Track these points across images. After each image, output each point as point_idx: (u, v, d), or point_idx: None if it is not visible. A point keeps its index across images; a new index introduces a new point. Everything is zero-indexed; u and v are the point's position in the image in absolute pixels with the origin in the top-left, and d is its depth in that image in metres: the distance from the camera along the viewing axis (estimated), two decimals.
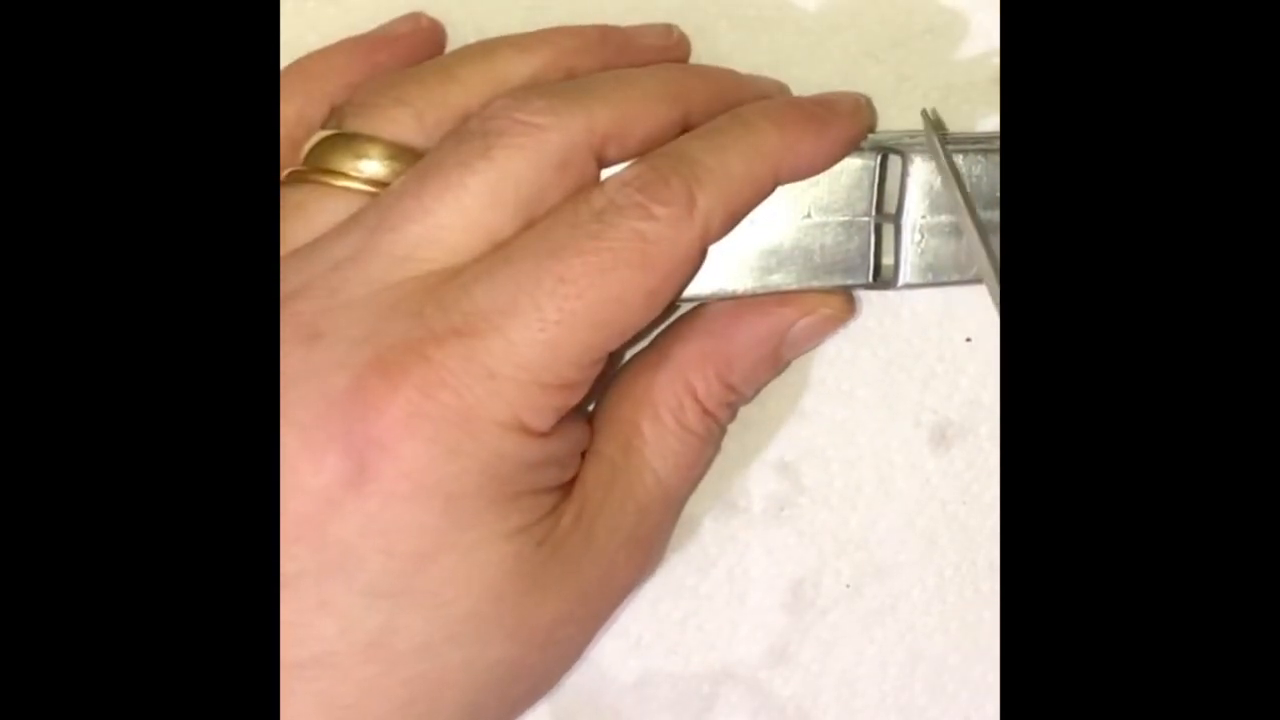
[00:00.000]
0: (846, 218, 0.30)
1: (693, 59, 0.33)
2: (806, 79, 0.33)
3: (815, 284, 0.31)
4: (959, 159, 0.31)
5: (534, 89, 0.29)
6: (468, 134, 0.28)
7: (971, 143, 0.31)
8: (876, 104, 0.33)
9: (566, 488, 0.29)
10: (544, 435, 0.27)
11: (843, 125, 0.30)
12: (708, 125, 0.29)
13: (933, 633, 0.35)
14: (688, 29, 0.32)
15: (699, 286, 0.30)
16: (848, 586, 0.34)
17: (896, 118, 0.33)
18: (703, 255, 0.29)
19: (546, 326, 0.26)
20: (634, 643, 0.34)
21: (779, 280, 0.30)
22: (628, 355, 0.32)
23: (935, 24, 0.33)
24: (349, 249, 0.27)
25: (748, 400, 0.32)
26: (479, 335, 0.26)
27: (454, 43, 0.32)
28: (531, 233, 0.27)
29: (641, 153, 0.29)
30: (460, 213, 0.27)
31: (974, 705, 0.35)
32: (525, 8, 0.32)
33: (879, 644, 0.34)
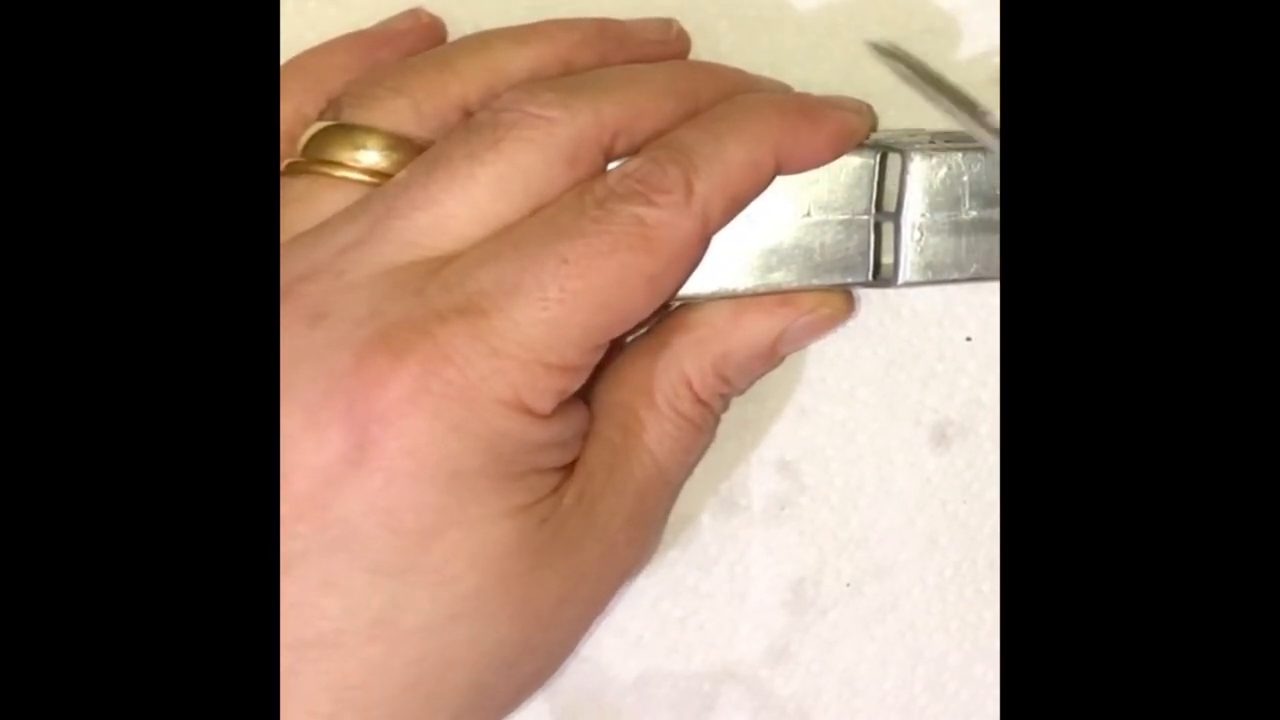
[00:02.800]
0: (846, 216, 0.31)
1: (693, 59, 0.33)
2: (807, 79, 0.33)
3: (815, 282, 0.31)
4: (959, 157, 0.31)
5: (544, 82, 0.29)
6: (477, 125, 0.28)
7: (971, 140, 0.31)
8: (875, 104, 0.33)
9: (569, 468, 0.29)
10: (545, 418, 0.27)
11: (843, 118, 0.30)
12: (707, 114, 0.30)
13: (933, 632, 0.35)
14: (688, 29, 0.32)
15: (700, 284, 0.30)
16: (848, 586, 0.34)
17: (897, 118, 0.33)
18: (705, 243, 0.29)
19: (549, 305, 0.27)
20: (635, 642, 0.34)
21: (779, 278, 0.30)
22: (627, 340, 0.32)
23: (934, 24, 0.33)
24: (356, 234, 0.27)
25: (741, 392, 0.32)
26: (483, 314, 0.27)
27: (454, 39, 0.32)
28: (535, 218, 0.28)
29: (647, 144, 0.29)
30: (468, 203, 0.27)
31: (974, 704, 0.35)
32: (525, 6, 0.32)
33: (879, 643, 0.34)
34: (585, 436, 0.30)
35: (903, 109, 0.33)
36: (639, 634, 0.34)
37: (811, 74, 0.33)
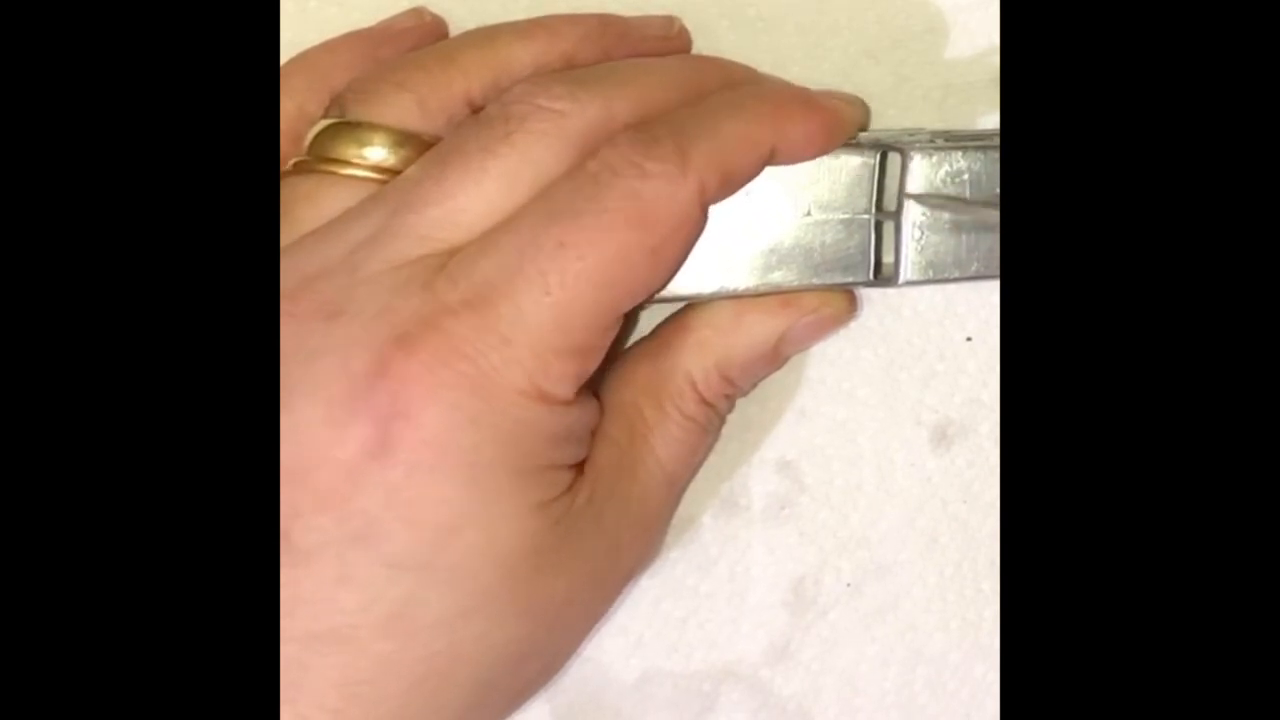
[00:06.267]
0: (847, 215, 0.31)
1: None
2: (807, 79, 0.33)
3: (816, 282, 0.31)
4: (959, 155, 0.31)
5: (553, 75, 0.29)
6: (488, 119, 0.28)
7: (971, 139, 0.31)
8: (875, 104, 0.33)
9: (580, 467, 0.29)
10: (564, 404, 0.28)
11: (837, 106, 0.30)
12: (703, 100, 0.29)
13: (933, 631, 0.35)
14: (688, 28, 0.32)
15: (701, 284, 0.30)
16: (848, 585, 0.34)
17: (897, 117, 0.33)
18: (703, 215, 0.29)
19: (552, 290, 0.27)
20: (635, 641, 0.34)
21: (780, 278, 0.30)
22: (629, 342, 0.32)
23: (934, 24, 0.33)
24: (368, 230, 0.27)
25: (745, 393, 0.32)
26: (489, 304, 0.27)
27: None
28: (532, 204, 0.28)
29: None
30: (480, 197, 0.28)
31: (974, 704, 0.35)
32: (526, 6, 0.32)
33: (880, 642, 0.34)
34: (595, 436, 0.30)
35: (903, 109, 0.33)
36: (639, 634, 0.34)
37: (811, 74, 0.33)
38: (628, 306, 0.28)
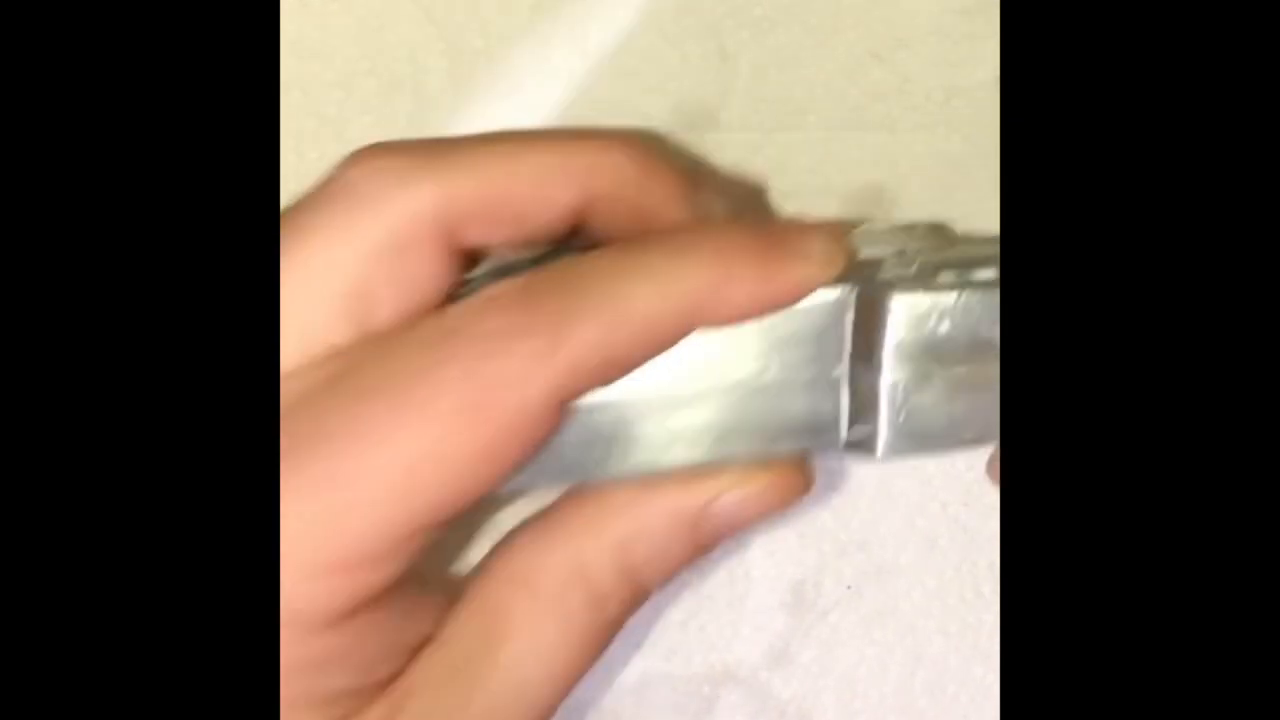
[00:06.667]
0: (811, 371, 0.24)
1: (695, 57, 0.32)
2: (810, 79, 0.33)
3: (776, 451, 0.25)
4: (949, 297, 0.25)
5: (392, 145, 0.23)
6: (312, 192, 0.23)
7: (964, 264, 0.26)
8: (878, 105, 0.32)
9: (376, 687, 0.23)
10: (328, 626, 0.22)
11: (803, 268, 0.24)
12: (629, 243, 0.23)
13: (933, 634, 0.35)
14: (691, 29, 0.32)
15: (626, 460, 0.24)
16: (848, 588, 0.34)
17: (900, 118, 0.33)
18: (559, 413, 0.22)
19: (334, 486, 0.21)
20: (634, 644, 0.34)
21: (728, 451, 0.24)
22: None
23: (940, 25, 0.33)
24: None
25: (648, 595, 0.25)
26: None
27: (456, 40, 0.32)
28: (344, 360, 0.22)
29: (520, 239, 0.24)
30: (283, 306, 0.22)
31: (973, 707, 0.35)
32: (530, 6, 0.32)
33: (879, 645, 0.34)
34: (420, 646, 0.24)
35: (905, 110, 0.33)
36: (639, 637, 0.34)
37: (815, 74, 0.33)
38: (439, 517, 0.22)
